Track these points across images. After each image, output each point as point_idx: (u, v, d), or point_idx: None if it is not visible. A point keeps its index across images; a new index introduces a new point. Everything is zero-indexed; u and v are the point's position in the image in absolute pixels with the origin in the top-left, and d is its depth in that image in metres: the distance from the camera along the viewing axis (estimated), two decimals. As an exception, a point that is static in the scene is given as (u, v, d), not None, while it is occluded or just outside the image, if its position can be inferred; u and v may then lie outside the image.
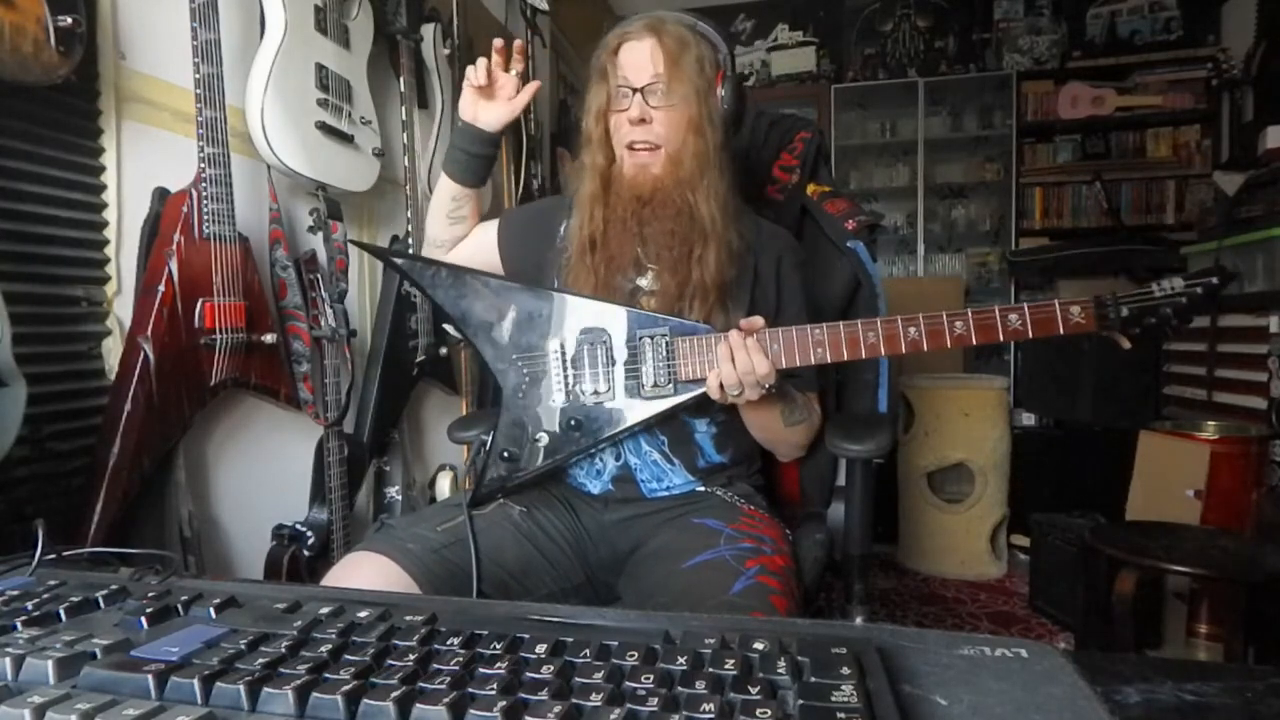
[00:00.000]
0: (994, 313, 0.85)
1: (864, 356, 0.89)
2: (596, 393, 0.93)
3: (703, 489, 1.01)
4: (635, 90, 0.96)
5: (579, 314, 0.95)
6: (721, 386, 0.88)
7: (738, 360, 0.87)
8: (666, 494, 1.00)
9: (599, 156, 1.01)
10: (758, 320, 0.89)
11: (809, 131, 1.30)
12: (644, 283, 1.02)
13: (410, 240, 1.79)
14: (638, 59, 0.96)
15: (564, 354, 0.94)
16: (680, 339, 0.91)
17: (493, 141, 1.08)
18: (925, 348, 0.87)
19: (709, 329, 0.92)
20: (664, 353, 0.91)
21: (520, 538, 0.93)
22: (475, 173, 1.09)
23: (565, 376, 0.94)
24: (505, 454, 0.95)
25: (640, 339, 0.92)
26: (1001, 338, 0.85)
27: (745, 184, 1.23)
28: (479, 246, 1.14)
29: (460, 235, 1.14)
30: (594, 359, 0.93)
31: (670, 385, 0.91)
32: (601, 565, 0.98)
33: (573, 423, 0.93)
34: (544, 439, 0.94)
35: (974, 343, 0.85)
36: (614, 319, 0.94)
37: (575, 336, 0.94)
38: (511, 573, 0.90)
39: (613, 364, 0.93)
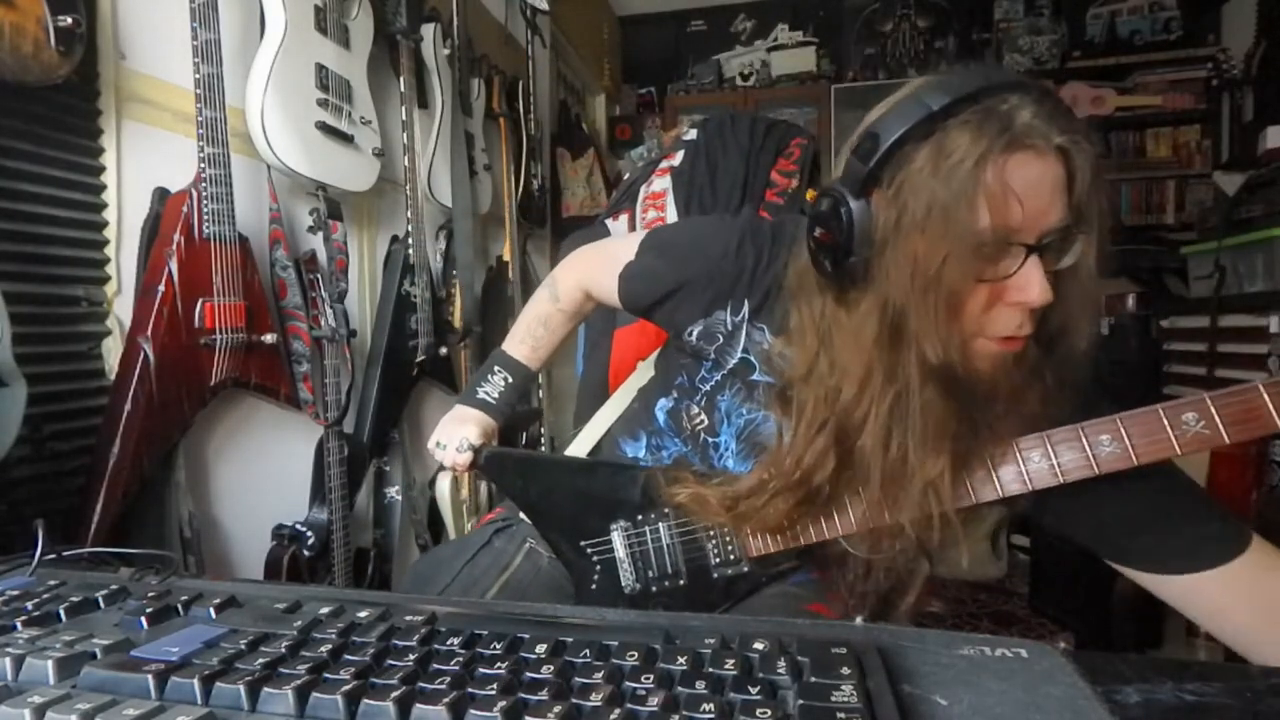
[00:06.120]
0: (1160, 419, 0.58)
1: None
2: (667, 577, 0.80)
3: None
4: (1031, 248, 0.56)
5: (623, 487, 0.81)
6: None
7: None
8: None
9: (929, 351, 0.58)
10: None
11: (805, 138, 1.30)
12: None
13: (410, 240, 1.79)
14: (1040, 190, 0.55)
15: (627, 538, 0.81)
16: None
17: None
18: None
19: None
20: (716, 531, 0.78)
21: (549, 594, 0.87)
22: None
23: (633, 565, 0.81)
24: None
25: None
26: (1179, 450, 0.57)
27: (745, 188, 1.24)
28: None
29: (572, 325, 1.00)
30: (656, 538, 0.80)
31: (741, 563, 0.78)
32: None
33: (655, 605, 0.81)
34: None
35: (1135, 461, 0.59)
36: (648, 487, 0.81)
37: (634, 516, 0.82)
38: None
39: (674, 540, 0.80)
